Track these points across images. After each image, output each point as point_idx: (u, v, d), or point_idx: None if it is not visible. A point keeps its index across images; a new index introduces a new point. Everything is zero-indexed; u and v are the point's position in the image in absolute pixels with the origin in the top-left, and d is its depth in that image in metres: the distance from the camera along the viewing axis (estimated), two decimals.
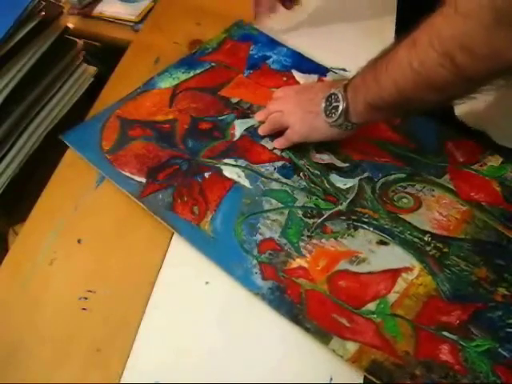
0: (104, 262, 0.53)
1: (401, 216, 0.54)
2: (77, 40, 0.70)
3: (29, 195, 0.59)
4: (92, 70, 0.72)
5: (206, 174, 0.57)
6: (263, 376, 0.46)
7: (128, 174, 0.56)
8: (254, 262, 0.50)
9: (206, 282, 0.51)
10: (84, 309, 0.50)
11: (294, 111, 0.57)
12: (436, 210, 0.54)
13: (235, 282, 0.50)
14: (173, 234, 0.54)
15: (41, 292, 0.51)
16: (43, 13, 0.62)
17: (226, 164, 0.58)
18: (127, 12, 0.80)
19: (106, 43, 0.78)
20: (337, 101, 0.52)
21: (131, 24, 0.79)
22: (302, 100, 0.57)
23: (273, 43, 0.71)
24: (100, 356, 0.47)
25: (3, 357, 0.48)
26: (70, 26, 0.71)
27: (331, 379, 0.45)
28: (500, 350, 0.45)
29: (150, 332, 0.48)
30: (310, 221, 0.54)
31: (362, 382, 0.45)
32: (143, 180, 0.56)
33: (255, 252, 0.51)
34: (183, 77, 0.66)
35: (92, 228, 0.55)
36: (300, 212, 0.54)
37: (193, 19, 0.77)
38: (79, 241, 0.54)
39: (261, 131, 0.61)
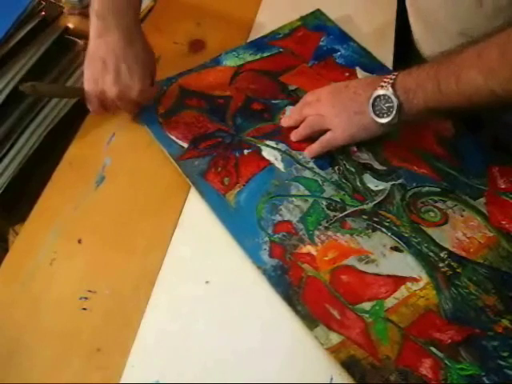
0: (104, 261, 0.53)
1: (423, 228, 0.54)
2: (77, 40, 0.70)
3: (29, 195, 0.59)
4: None
5: (245, 151, 0.60)
6: (263, 376, 0.47)
7: (173, 138, 0.61)
8: (266, 239, 0.53)
9: (206, 282, 0.52)
10: (84, 309, 0.50)
11: (338, 113, 0.57)
12: (461, 230, 0.54)
13: (235, 281, 0.52)
14: (173, 233, 0.55)
15: (41, 292, 0.52)
16: (43, 13, 0.64)
17: (266, 145, 0.61)
18: None
19: None
20: (388, 102, 0.53)
21: None
22: (342, 101, 0.57)
23: (344, 37, 0.72)
24: (100, 356, 0.48)
25: (4, 357, 0.48)
26: (70, 26, 0.72)
27: (331, 379, 0.46)
28: (484, 378, 0.45)
29: (150, 332, 0.49)
30: (332, 213, 0.55)
31: None
32: (185, 145, 0.60)
33: (270, 230, 0.54)
34: (249, 58, 0.70)
35: (92, 228, 0.56)
36: (324, 203, 0.56)
37: (193, 19, 0.77)
38: (79, 241, 0.55)
39: (296, 137, 0.61)
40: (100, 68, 0.57)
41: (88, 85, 0.58)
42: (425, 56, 0.69)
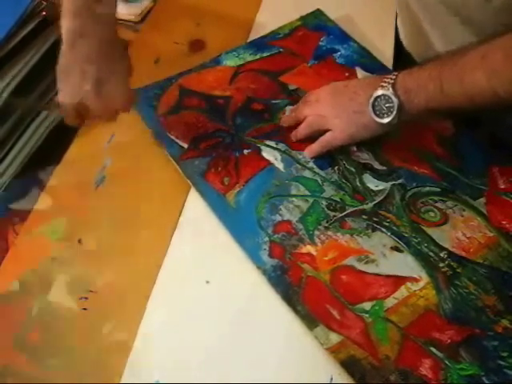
0: (104, 261, 0.54)
1: (423, 228, 0.54)
2: None
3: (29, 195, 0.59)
4: None
5: (245, 151, 0.60)
6: (263, 376, 0.46)
7: (173, 138, 0.61)
8: (266, 239, 0.53)
9: (206, 282, 0.52)
10: (84, 309, 0.50)
11: (338, 114, 0.57)
12: (461, 230, 0.53)
13: (235, 282, 0.52)
14: (173, 233, 0.55)
15: (41, 292, 0.52)
16: (44, 13, 0.64)
17: (266, 145, 0.61)
18: (127, 12, 0.78)
19: None
20: (389, 102, 0.53)
21: (131, 24, 0.77)
22: (342, 102, 0.57)
23: (344, 37, 0.72)
24: (100, 356, 0.48)
25: (3, 357, 0.48)
26: None
27: (331, 379, 0.46)
28: (484, 378, 0.44)
29: (150, 332, 0.49)
30: (332, 213, 0.55)
31: None
32: (185, 145, 0.60)
33: (270, 230, 0.54)
34: (249, 58, 0.70)
35: (92, 228, 0.56)
36: (324, 203, 0.56)
37: (193, 19, 0.77)
38: (79, 241, 0.55)
39: (296, 137, 0.61)
40: (78, 79, 0.51)
41: (64, 97, 0.52)
42: (416, 57, 0.69)
